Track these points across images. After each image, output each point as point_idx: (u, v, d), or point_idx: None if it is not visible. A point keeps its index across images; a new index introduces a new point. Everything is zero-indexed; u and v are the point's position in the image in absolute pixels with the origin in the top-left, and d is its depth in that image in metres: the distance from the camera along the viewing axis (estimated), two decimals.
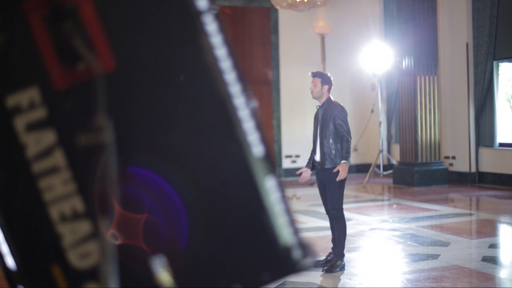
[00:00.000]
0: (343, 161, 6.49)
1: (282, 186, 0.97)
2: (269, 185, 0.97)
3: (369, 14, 16.85)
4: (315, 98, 6.85)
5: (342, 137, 6.56)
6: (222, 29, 0.98)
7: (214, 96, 0.96)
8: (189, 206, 0.95)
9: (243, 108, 0.97)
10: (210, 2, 0.97)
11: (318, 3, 13.30)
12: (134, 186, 0.94)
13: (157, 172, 0.94)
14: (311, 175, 6.91)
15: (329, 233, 6.98)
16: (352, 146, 15.86)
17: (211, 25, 0.97)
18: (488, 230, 8.84)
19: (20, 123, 0.96)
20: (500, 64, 13.59)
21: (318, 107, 6.81)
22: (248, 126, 0.97)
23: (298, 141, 16.28)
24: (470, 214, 10.39)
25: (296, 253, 0.97)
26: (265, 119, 16.08)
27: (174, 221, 0.95)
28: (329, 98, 6.78)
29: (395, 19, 15.30)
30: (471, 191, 12.94)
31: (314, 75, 6.85)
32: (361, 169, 16.78)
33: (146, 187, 0.94)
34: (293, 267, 0.97)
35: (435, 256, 7.08)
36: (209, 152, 0.96)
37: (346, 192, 11.48)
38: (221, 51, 0.97)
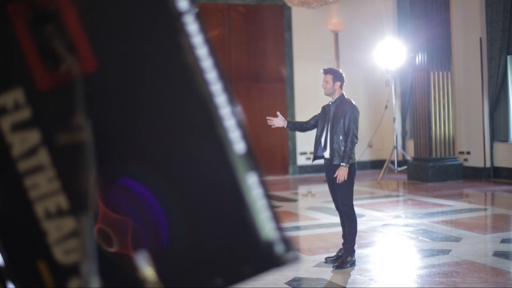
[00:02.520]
0: (342, 164, 6.48)
1: (264, 183, 0.99)
2: (251, 182, 0.98)
3: (382, 10, 16.81)
4: (327, 95, 6.87)
5: (348, 136, 6.54)
6: (203, 29, 1.00)
7: (195, 95, 0.98)
8: (168, 203, 0.97)
9: (224, 106, 0.99)
10: (190, 3, 0.99)
11: (330, 0, 13.28)
12: (115, 191, 0.96)
13: (136, 175, 0.96)
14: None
15: (340, 229, 7.00)
16: (366, 143, 15.91)
17: (191, 26, 0.99)
18: (501, 225, 8.81)
19: (5, 123, 0.99)
20: None
21: (330, 103, 6.81)
22: (230, 123, 0.98)
23: (312, 138, 16.16)
24: (484, 209, 10.35)
25: (278, 248, 0.98)
26: None
27: (154, 220, 0.97)
28: (342, 95, 6.78)
29: (408, 15, 15.24)
30: (486, 186, 12.89)
31: (326, 72, 6.85)
32: (376, 165, 16.74)
33: (125, 190, 0.96)
34: (275, 262, 0.98)
35: (446, 252, 7.07)
36: (190, 150, 0.98)
37: (361, 188, 11.47)
38: (202, 51, 0.99)
